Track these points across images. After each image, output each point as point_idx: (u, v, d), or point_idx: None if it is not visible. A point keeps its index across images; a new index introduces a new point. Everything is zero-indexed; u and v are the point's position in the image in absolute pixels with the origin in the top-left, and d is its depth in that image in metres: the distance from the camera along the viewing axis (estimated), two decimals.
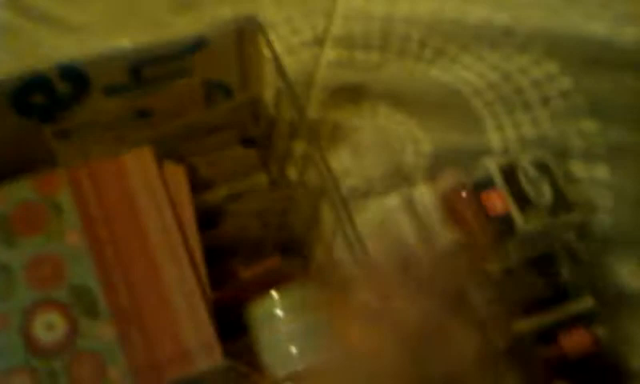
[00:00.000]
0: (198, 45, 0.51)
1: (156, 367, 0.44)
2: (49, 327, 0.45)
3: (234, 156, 0.53)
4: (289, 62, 0.72)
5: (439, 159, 0.64)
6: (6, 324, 0.44)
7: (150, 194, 0.49)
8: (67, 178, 0.49)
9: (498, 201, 0.59)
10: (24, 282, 0.46)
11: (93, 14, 0.74)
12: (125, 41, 0.72)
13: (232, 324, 0.46)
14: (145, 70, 0.51)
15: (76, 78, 0.50)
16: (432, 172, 0.64)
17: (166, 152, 0.51)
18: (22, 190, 0.48)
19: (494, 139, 0.66)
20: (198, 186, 0.50)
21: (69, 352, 0.44)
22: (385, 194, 0.63)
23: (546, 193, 0.59)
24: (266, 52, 0.53)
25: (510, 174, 0.61)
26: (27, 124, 0.51)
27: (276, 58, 0.53)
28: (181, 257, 0.47)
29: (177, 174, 0.49)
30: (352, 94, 0.70)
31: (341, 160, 0.65)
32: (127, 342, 0.45)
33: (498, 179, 0.60)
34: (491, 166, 0.61)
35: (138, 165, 0.49)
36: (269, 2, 0.75)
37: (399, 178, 0.64)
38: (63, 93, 0.50)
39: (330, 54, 0.72)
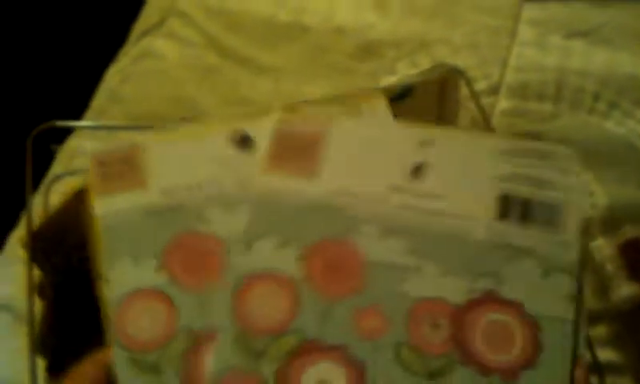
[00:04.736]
0: (405, 93, 0.56)
1: None
2: None
3: None
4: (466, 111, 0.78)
5: (615, 212, 0.67)
6: None
7: None
8: None
9: None
10: None
11: (285, 58, 0.82)
12: (313, 85, 0.80)
13: None
14: None
15: None
16: (608, 225, 0.66)
17: None
18: None
19: None
20: None
21: None
22: None
23: None
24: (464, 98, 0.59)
25: None
26: None
27: (478, 102, 0.58)
28: None
29: None
30: None
31: None
32: None
33: None
34: None
35: None
36: (445, 52, 0.81)
37: None
38: None
39: (504, 103, 0.77)
